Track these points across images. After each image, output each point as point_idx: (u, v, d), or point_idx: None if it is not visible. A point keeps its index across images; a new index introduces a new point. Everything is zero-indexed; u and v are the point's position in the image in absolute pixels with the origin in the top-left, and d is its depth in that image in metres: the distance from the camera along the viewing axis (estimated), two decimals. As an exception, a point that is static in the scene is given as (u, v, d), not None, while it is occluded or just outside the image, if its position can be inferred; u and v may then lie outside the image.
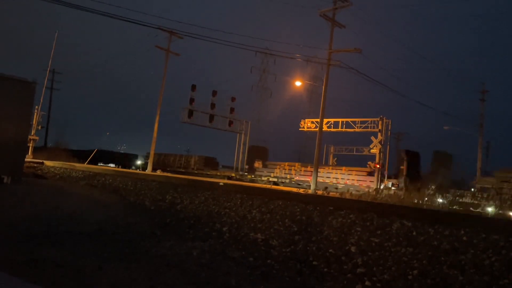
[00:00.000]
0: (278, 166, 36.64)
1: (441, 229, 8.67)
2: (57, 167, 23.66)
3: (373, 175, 28.12)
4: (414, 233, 8.72)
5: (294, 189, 21.49)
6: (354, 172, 30.77)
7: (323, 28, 24.28)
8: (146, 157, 47.48)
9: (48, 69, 37.08)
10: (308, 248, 9.03)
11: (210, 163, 40.99)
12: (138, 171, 31.32)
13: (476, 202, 17.25)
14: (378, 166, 27.62)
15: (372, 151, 29.00)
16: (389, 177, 29.01)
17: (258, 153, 41.67)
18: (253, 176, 35.30)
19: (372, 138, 28.95)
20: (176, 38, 32.36)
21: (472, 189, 27.26)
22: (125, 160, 50.63)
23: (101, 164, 45.06)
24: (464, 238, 8.18)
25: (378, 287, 7.18)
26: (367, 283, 7.33)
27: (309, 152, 51.28)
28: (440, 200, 17.28)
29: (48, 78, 40.00)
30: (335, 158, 38.92)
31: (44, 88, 36.67)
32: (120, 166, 40.09)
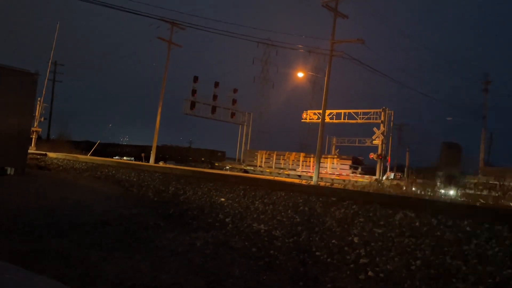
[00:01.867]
0: None
1: (444, 219, 8.66)
2: (60, 159, 23.73)
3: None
4: (417, 224, 8.72)
5: (297, 180, 21.52)
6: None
7: (326, 19, 24.15)
8: (251, 156, 37.83)
9: (50, 61, 37.09)
10: (311, 238, 9.05)
11: (357, 163, 30.03)
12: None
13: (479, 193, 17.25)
14: (380, 157, 27.61)
15: (374, 142, 28.98)
16: (391, 169, 28.98)
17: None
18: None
19: (375, 129, 28.91)
20: (178, 30, 32.24)
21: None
22: (213, 157, 40.57)
23: (172, 163, 38.34)
24: (468, 228, 8.17)
25: (381, 277, 7.19)
26: (370, 273, 7.34)
27: (311, 144, 51.29)
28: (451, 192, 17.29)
29: (50, 70, 39.97)
30: (338, 150, 38.91)
31: (46, 80, 36.71)
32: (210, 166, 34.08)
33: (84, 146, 39.36)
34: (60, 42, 35.99)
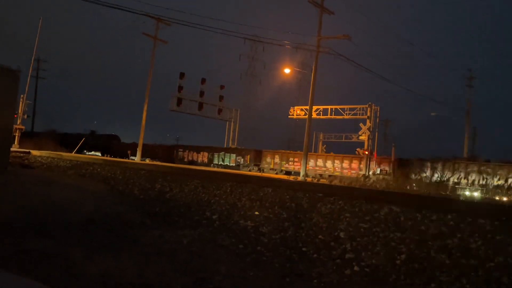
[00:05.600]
0: None
1: (428, 214, 8.78)
2: (44, 157, 23.39)
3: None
4: (402, 218, 8.82)
5: (284, 177, 21.56)
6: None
7: (313, 15, 24.18)
8: None
9: (33, 57, 36.47)
10: (297, 234, 9.09)
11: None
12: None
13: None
14: (366, 152, 27.81)
15: (361, 137, 29.19)
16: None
17: None
18: None
19: (361, 125, 29.11)
20: (164, 25, 31.94)
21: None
22: None
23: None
24: (451, 222, 8.30)
25: (367, 272, 7.26)
26: (355, 268, 7.41)
27: (299, 140, 51.45)
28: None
29: (33, 67, 39.28)
30: (324, 145, 39.11)
31: (29, 77, 36.04)
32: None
33: (68, 143, 38.67)
34: (44, 39, 35.39)
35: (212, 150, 38.32)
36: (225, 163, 36.12)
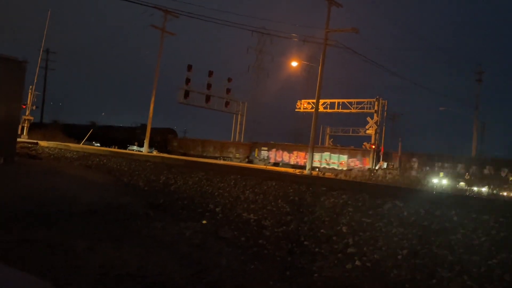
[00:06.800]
0: None
1: (432, 209, 8.69)
2: (52, 148, 23.55)
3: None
4: (405, 213, 8.74)
5: (290, 170, 21.51)
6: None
7: (321, 7, 23.95)
8: None
9: (42, 48, 36.69)
10: (299, 228, 9.06)
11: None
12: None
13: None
14: (373, 146, 27.63)
15: (368, 132, 29.00)
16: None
17: None
18: None
19: (368, 119, 28.92)
20: (172, 17, 31.86)
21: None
22: None
23: None
24: (455, 218, 8.20)
25: (368, 267, 7.23)
26: (357, 262, 7.37)
27: (305, 133, 51.24)
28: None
29: (42, 57, 39.52)
30: (331, 139, 38.91)
31: (38, 68, 36.28)
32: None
33: (77, 134, 38.67)
34: (55, 30, 35.57)
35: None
36: (330, 166, 28.42)
